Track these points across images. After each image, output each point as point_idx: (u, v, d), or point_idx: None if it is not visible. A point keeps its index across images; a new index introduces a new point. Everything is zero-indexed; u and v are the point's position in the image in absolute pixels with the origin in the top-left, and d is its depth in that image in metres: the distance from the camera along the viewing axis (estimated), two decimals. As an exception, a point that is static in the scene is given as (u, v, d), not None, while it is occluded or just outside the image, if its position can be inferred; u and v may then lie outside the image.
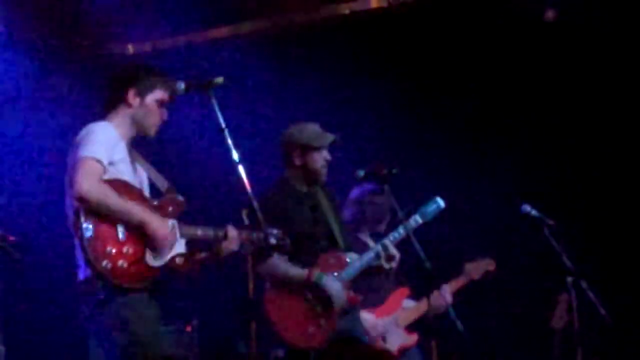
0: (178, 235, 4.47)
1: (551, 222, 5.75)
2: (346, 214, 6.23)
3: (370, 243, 6.17)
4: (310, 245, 5.43)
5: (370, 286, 6.00)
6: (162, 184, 4.65)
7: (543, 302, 6.55)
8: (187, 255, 4.49)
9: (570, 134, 7.31)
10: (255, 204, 4.49)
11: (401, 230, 5.58)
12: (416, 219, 5.68)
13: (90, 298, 4.34)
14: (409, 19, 7.59)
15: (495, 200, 7.18)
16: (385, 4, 7.65)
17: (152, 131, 4.59)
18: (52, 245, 7.05)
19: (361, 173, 5.49)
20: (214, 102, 4.51)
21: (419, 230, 5.56)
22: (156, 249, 4.35)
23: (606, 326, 5.61)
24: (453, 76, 7.49)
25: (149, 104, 4.54)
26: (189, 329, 6.73)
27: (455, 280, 6.42)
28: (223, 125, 4.49)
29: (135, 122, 4.55)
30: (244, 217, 4.45)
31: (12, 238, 5.40)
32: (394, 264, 5.55)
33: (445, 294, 6.14)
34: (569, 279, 5.66)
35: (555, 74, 7.30)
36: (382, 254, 5.49)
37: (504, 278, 6.85)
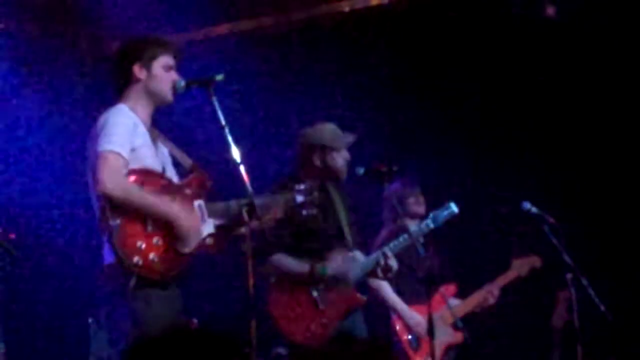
0: (206, 215, 4.46)
1: (551, 220, 5.75)
2: (384, 214, 6.28)
3: (413, 227, 6.06)
4: (318, 241, 5.44)
5: (413, 283, 6.03)
6: (186, 161, 4.64)
7: (543, 299, 6.55)
8: (216, 235, 4.48)
9: (571, 131, 7.30)
10: (256, 201, 4.48)
11: (402, 239, 5.61)
12: (428, 224, 5.72)
13: (118, 281, 4.30)
14: (409, 16, 7.58)
15: (495, 198, 7.18)
16: (385, 1, 7.65)
17: (168, 97, 4.57)
18: (52, 243, 7.06)
19: (361, 170, 5.50)
20: (214, 99, 4.51)
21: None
22: (183, 240, 4.33)
23: (606, 323, 5.61)
24: (454, 73, 7.48)
25: (157, 72, 4.54)
26: (189, 326, 6.72)
27: (502, 277, 6.42)
28: (223, 122, 4.49)
29: (149, 94, 4.54)
30: (244, 213, 4.44)
31: (12, 235, 5.40)
32: (389, 276, 5.56)
33: (493, 292, 6.19)
34: (569, 276, 5.66)
35: (554, 70, 7.29)
36: (382, 262, 5.49)
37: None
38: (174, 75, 4.59)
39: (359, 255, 5.54)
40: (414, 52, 7.57)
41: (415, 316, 6.12)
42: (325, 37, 7.73)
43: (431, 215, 5.80)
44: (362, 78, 7.60)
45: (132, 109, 4.50)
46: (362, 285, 5.64)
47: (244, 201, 4.46)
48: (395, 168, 5.50)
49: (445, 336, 6.15)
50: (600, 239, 7.12)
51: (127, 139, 4.35)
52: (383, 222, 6.39)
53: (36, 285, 6.94)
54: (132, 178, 4.33)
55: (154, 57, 4.55)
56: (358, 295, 5.48)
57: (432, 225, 5.73)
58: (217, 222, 4.55)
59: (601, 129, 7.24)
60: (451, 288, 6.37)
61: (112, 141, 4.31)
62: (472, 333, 5.97)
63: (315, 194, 4.84)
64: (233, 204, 4.51)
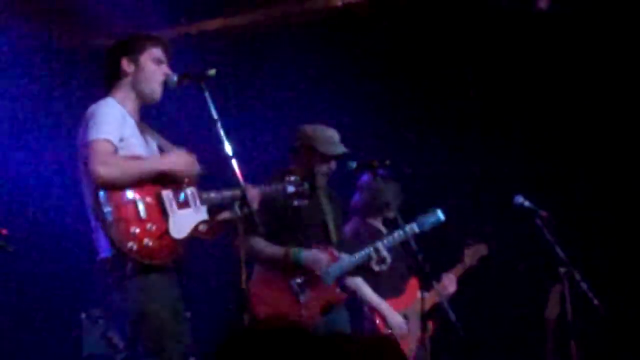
0: (198, 202, 4.48)
1: (544, 213, 5.76)
2: (355, 199, 6.26)
3: (383, 229, 6.17)
4: (302, 238, 5.44)
5: (387, 275, 6.05)
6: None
7: (536, 293, 6.56)
8: (210, 222, 4.50)
9: (563, 125, 7.31)
10: (248, 195, 4.49)
11: (396, 235, 5.63)
12: (412, 227, 5.74)
13: (113, 274, 4.33)
14: (403, 11, 7.58)
15: (488, 191, 7.18)
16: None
17: (156, 94, 4.58)
18: (45, 238, 7.05)
19: (353, 164, 5.50)
20: (207, 94, 4.50)
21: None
22: (178, 215, 4.34)
23: (599, 317, 5.62)
24: (448, 67, 7.49)
25: (145, 66, 4.55)
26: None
27: (457, 268, 6.47)
28: (216, 117, 4.48)
29: (137, 89, 4.55)
30: (236, 208, 4.44)
31: (4, 231, 5.39)
32: (384, 267, 5.58)
33: (451, 281, 6.23)
34: (562, 270, 5.67)
35: (548, 63, 7.30)
36: (374, 256, 5.52)
37: (496, 269, 6.88)
38: (165, 68, 4.60)
39: (344, 255, 5.55)
40: (409, 46, 7.57)
41: (397, 317, 6.14)
42: (318, 31, 7.72)
43: (418, 219, 5.84)
44: (356, 73, 7.59)
45: (120, 102, 4.52)
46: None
47: (238, 192, 4.48)
48: (387, 162, 5.50)
49: (419, 329, 6.18)
50: (594, 232, 7.14)
51: (116, 128, 4.37)
52: (352, 208, 6.35)
53: (29, 280, 6.93)
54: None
55: (142, 51, 4.56)
56: (338, 291, 5.49)
57: (417, 230, 5.78)
58: (212, 210, 4.57)
59: (594, 120, 7.24)
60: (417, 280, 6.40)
61: (101, 130, 4.33)
62: (465, 324, 5.97)
63: (306, 185, 4.89)
64: (227, 192, 4.53)
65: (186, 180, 4.50)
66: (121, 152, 4.37)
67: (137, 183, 4.30)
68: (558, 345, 6.20)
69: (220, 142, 4.43)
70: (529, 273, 7.02)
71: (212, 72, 4.54)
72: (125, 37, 4.66)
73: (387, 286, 6.19)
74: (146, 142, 4.57)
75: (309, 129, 5.58)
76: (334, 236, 5.57)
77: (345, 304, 5.63)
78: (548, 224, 5.74)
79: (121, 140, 4.38)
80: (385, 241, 5.64)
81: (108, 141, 4.31)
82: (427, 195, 6.83)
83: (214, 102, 4.50)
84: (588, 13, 7.03)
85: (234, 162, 4.44)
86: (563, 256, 5.66)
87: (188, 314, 6.65)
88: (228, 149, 4.43)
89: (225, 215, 4.59)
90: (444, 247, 6.57)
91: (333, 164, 5.54)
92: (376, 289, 6.14)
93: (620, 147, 7.21)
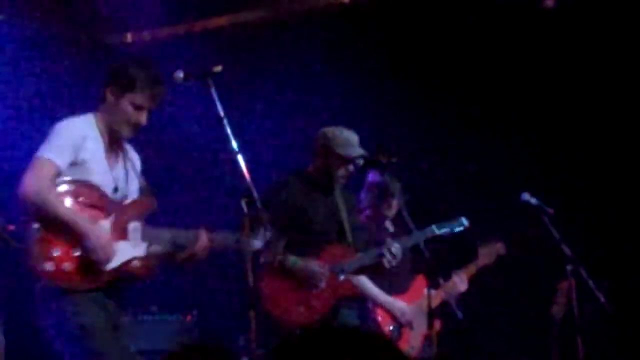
0: (139, 239, 4.44)
1: (550, 211, 5.75)
2: (362, 197, 6.30)
3: (390, 227, 6.16)
4: (319, 240, 5.48)
5: (392, 272, 6.06)
6: (142, 183, 4.64)
7: (543, 290, 6.55)
8: (146, 259, 4.46)
9: (569, 122, 7.30)
10: (255, 193, 4.49)
11: (415, 237, 5.63)
12: (432, 230, 5.75)
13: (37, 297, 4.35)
14: (408, 8, 7.57)
15: (495, 188, 7.17)
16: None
17: (124, 132, 4.52)
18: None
19: (360, 161, 5.51)
20: (213, 90, 4.50)
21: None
22: (92, 257, 4.30)
23: (606, 314, 5.62)
24: (452, 64, 7.47)
25: (123, 106, 4.47)
26: (189, 319, 6.73)
27: (471, 265, 6.45)
28: (222, 114, 4.48)
29: (109, 119, 4.51)
30: (243, 205, 4.43)
31: (11, 227, 5.39)
32: (394, 263, 5.60)
33: (462, 280, 6.22)
34: (569, 267, 5.67)
35: (554, 61, 7.28)
36: (387, 254, 5.53)
37: (503, 266, 6.86)
38: (140, 116, 4.50)
39: (359, 254, 5.57)
40: (411, 44, 7.56)
41: (401, 305, 6.14)
42: (324, 27, 7.71)
43: (442, 224, 5.84)
44: (360, 71, 7.59)
45: (99, 121, 4.50)
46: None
47: (192, 235, 4.49)
48: (394, 159, 5.50)
49: (424, 326, 6.17)
50: (600, 229, 7.13)
51: (68, 150, 4.35)
52: (360, 205, 6.36)
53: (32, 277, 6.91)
54: (65, 188, 4.33)
55: (126, 91, 4.47)
56: (350, 285, 5.52)
57: (436, 232, 5.78)
58: (159, 248, 4.55)
59: (600, 118, 7.23)
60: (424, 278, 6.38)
61: (51, 149, 4.34)
62: (472, 321, 5.96)
63: (280, 247, 4.71)
64: (182, 233, 4.52)
65: (135, 212, 4.46)
66: (74, 176, 4.35)
67: (50, 223, 4.24)
68: (564, 343, 6.20)
69: (226, 139, 4.43)
70: (535, 271, 7.00)
71: (218, 68, 4.53)
72: (123, 67, 4.55)
73: (393, 283, 6.19)
74: (111, 168, 4.52)
75: (329, 131, 5.61)
76: (349, 236, 5.60)
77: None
78: (554, 221, 5.73)
79: (74, 164, 4.36)
80: (397, 243, 5.64)
81: (52, 164, 4.30)
82: (432, 193, 6.82)
83: (220, 98, 4.50)
84: (593, 11, 7.02)
85: (240, 158, 4.45)
86: (569, 253, 5.65)
87: (194, 312, 6.71)
88: (234, 145, 4.43)
89: (155, 249, 4.56)
90: (450, 245, 6.56)
91: (351, 167, 5.56)
92: (381, 286, 6.14)
93: (627, 145, 7.19)
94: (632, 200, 7.17)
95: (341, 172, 5.55)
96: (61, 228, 4.25)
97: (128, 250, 4.42)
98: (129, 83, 4.46)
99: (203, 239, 4.54)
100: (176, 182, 7.61)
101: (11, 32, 7.20)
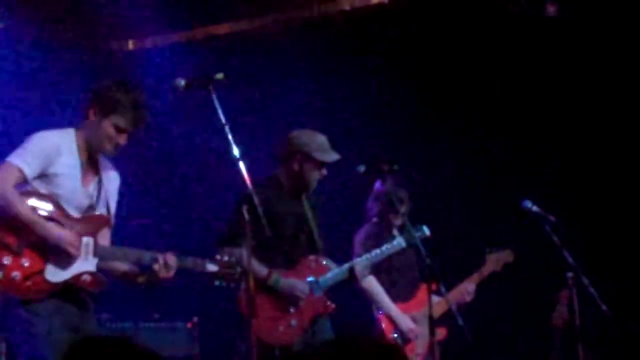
0: (91, 254, 4.43)
1: (552, 218, 5.74)
2: (369, 205, 6.31)
3: (397, 235, 6.10)
4: (292, 247, 5.45)
5: (396, 281, 6.05)
6: (111, 203, 4.63)
7: (544, 298, 6.55)
8: (96, 275, 4.45)
9: (573, 130, 7.30)
10: (256, 200, 4.48)
11: (379, 251, 5.64)
12: (400, 242, 5.75)
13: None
14: (409, 15, 7.58)
15: (497, 196, 7.17)
16: (385, 0, 7.64)
17: (105, 150, 4.52)
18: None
19: (362, 168, 5.49)
20: (215, 98, 4.50)
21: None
22: (60, 260, 4.32)
23: (607, 322, 5.61)
24: (454, 72, 7.48)
25: (104, 127, 4.45)
26: (189, 325, 6.72)
27: (478, 273, 6.43)
28: (224, 121, 4.48)
29: (90, 136, 4.49)
30: (244, 212, 4.43)
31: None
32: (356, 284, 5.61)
33: (471, 289, 6.20)
34: (570, 275, 5.66)
35: (556, 69, 7.29)
36: (357, 270, 5.56)
37: (505, 274, 6.85)
38: (121, 138, 4.48)
39: (330, 262, 5.55)
40: (414, 49, 7.56)
41: (408, 322, 6.14)
42: (325, 36, 7.72)
43: (403, 235, 5.85)
44: (363, 76, 7.59)
45: (78, 139, 4.49)
46: (334, 290, 5.63)
47: (157, 257, 4.45)
48: (396, 167, 5.49)
49: (428, 334, 6.15)
50: (602, 238, 7.12)
51: (38, 161, 4.36)
52: (368, 213, 6.36)
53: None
54: (24, 198, 4.34)
55: (108, 113, 4.45)
56: (328, 302, 5.49)
57: (404, 245, 5.80)
58: (120, 266, 4.55)
59: (602, 126, 7.24)
60: (432, 286, 6.37)
61: (21, 155, 4.35)
62: (473, 329, 5.96)
63: (238, 270, 4.64)
64: (146, 256, 4.49)
65: (89, 227, 4.45)
66: (42, 188, 4.36)
67: (11, 223, 4.26)
68: (565, 350, 6.19)
69: (228, 145, 4.43)
70: (536, 278, 7.00)
71: (220, 76, 4.54)
72: (108, 89, 4.51)
73: (398, 291, 6.18)
74: (86, 185, 4.51)
75: (301, 135, 5.52)
76: (319, 244, 5.57)
77: (331, 314, 5.62)
78: (556, 229, 5.72)
79: (44, 175, 4.37)
80: (364, 258, 5.66)
81: (20, 170, 4.31)
82: (434, 201, 6.82)
83: (222, 105, 4.50)
84: (595, 17, 7.03)
85: (241, 165, 4.44)
86: (571, 261, 5.64)
87: (195, 319, 6.70)
88: (236, 151, 4.43)
89: (118, 267, 4.56)
90: (453, 253, 6.57)
91: (325, 171, 5.51)
92: (387, 293, 6.14)
93: (630, 152, 7.19)
94: (634, 208, 7.16)
95: (315, 176, 5.50)
96: (16, 236, 4.27)
97: (78, 264, 4.41)
98: (112, 105, 4.44)
99: (171, 260, 4.48)
100: (176, 189, 7.62)
101: (13, 39, 7.21)
